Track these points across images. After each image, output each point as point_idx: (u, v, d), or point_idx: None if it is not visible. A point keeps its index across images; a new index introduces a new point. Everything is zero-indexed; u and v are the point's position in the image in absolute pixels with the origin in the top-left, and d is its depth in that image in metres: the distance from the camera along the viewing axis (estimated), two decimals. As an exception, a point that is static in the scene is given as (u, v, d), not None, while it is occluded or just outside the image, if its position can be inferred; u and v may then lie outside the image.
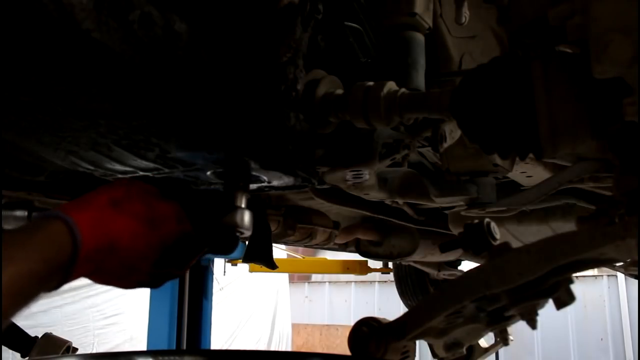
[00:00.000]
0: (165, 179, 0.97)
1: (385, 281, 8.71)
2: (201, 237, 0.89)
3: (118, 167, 0.99)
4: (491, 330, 1.16)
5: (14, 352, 1.85)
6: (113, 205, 0.77)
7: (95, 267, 0.73)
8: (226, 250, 0.95)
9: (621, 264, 1.97)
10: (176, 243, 0.83)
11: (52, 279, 0.67)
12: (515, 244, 0.94)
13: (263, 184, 1.04)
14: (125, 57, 0.66)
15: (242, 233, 0.95)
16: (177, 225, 0.83)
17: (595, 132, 0.78)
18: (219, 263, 5.29)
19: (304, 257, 6.35)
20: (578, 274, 0.97)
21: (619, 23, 0.68)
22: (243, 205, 0.96)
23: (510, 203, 1.40)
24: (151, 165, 0.97)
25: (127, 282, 0.81)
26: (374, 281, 9.27)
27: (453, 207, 1.64)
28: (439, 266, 2.81)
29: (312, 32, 0.90)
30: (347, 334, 1.18)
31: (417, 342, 1.17)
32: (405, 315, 1.09)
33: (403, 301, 3.57)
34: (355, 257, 3.68)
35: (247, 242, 1.62)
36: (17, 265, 0.60)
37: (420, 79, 1.00)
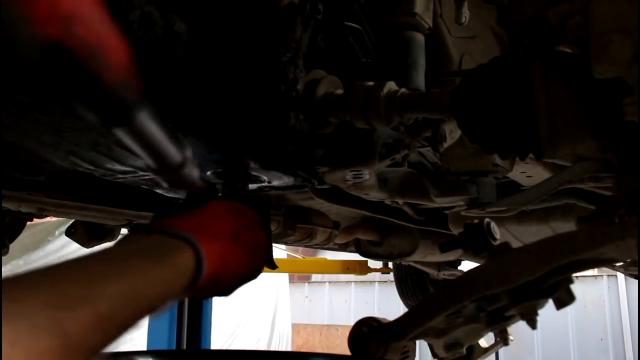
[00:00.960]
0: (259, 205, 0.94)
1: (385, 281, 8.70)
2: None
3: (118, 167, 0.99)
4: (491, 330, 1.16)
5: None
6: (234, 238, 0.74)
7: (192, 292, 0.69)
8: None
9: (621, 264, 1.97)
10: (258, 271, 0.83)
11: (161, 309, 0.61)
12: (515, 244, 0.94)
13: (263, 184, 1.04)
14: (125, 57, 0.66)
15: None
16: (264, 258, 0.83)
17: (595, 132, 0.78)
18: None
19: (304, 257, 6.35)
20: (578, 274, 0.97)
21: (619, 23, 0.68)
22: None
23: (510, 203, 1.40)
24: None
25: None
26: (374, 281, 9.26)
27: (453, 207, 1.64)
28: (439, 266, 2.81)
29: (312, 32, 0.90)
30: (347, 334, 1.18)
31: (417, 342, 1.17)
32: (405, 315, 1.09)
33: (403, 301, 3.57)
34: (355, 257, 3.68)
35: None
36: (141, 302, 0.54)
37: (420, 79, 1.00)
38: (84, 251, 1.08)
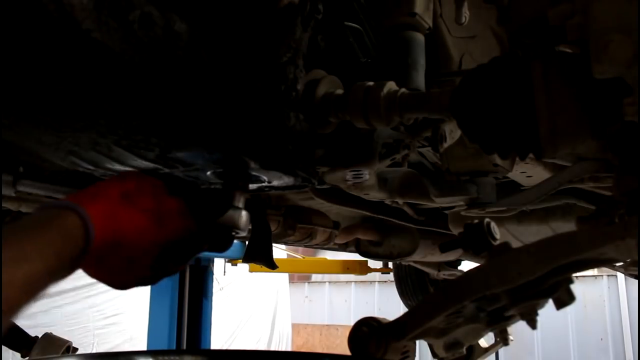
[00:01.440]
0: (169, 175, 0.96)
1: (385, 281, 8.70)
2: (202, 235, 0.88)
3: (118, 167, 0.99)
4: (491, 330, 1.16)
5: (14, 352, 1.85)
6: (124, 199, 0.75)
7: (97, 260, 0.71)
8: (220, 249, 0.95)
9: (621, 264, 1.97)
10: (179, 240, 0.82)
11: (62, 274, 0.65)
12: (515, 244, 0.94)
13: (263, 184, 1.04)
14: (125, 57, 0.66)
15: (237, 233, 0.95)
16: (182, 221, 0.82)
17: (595, 132, 0.78)
18: (219, 263, 5.29)
19: (304, 257, 6.35)
20: (578, 274, 0.97)
21: (619, 23, 0.68)
22: (241, 206, 0.96)
23: (510, 203, 1.40)
24: (151, 165, 0.97)
25: (125, 277, 0.79)
26: (374, 281, 9.26)
27: (453, 207, 1.64)
28: (439, 266, 2.81)
29: (312, 32, 0.90)
30: (347, 334, 1.18)
31: (417, 342, 1.17)
32: (405, 315, 1.09)
33: (403, 301, 3.57)
34: (355, 257, 3.68)
35: (247, 242, 1.62)
36: (32, 264, 0.59)
37: (420, 79, 1.00)
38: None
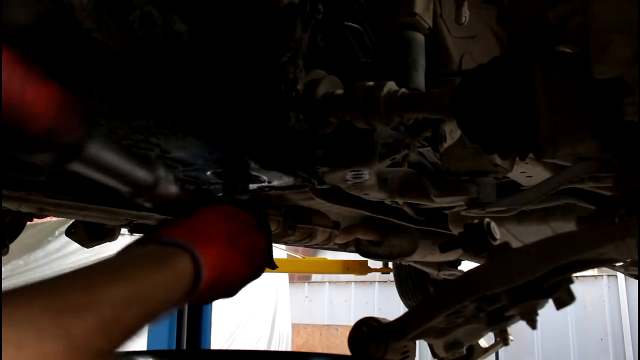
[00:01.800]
0: (256, 209, 0.94)
1: (385, 281, 8.70)
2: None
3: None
4: (491, 330, 1.16)
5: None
6: (230, 242, 0.74)
7: (194, 300, 0.70)
8: None
9: (621, 264, 1.97)
10: (258, 275, 0.83)
11: (164, 314, 0.63)
12: (515, 244, 0.94)
13: (263, 184, 1.04)
14: (125, 57, 0.66)
15: None
16: (264, 260, 0.83)
17: (595, 132, 0.78)
18: (219, 263, 5.28)
19: (304, 257, 6.35)
20: (578, 274, 0.97)
21: (619, 23, 0.68)
22: None
23: (510, 203, 1.40)
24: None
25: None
26: (374, 281, 9.26)
27: (453, 207, 1.64)
28: (439, 266, 2.81)
29: (312, 32, 0.90)
30: (347, 334, 1.18)
31: (417, 342, 1.17)
32: (405, 315, 1.09)
33: (403, 301, 3.57)
34: (355, 257, 3.68)
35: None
36: (143, 306, 0.56)
37: (420, 79, 1.00)
38: (84, 251, 1.09)
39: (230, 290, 0.77)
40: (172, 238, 0.67)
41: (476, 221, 1.06)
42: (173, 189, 0.78)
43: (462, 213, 1.52)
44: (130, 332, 0.54)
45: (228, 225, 0.77)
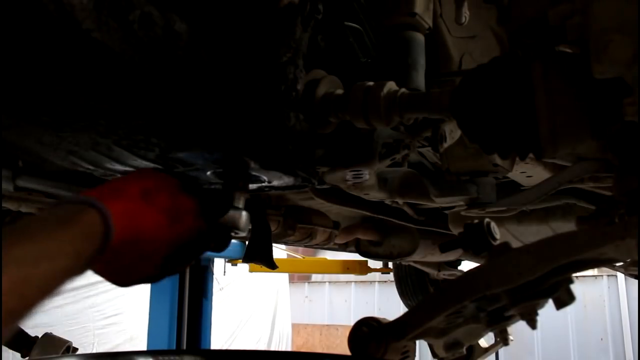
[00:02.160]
0: (182, 173, 0.95)
1: (385, 281, 8.70)
2: (210, 235, 0.87)
3: (118, 167, 0.99)
4: (491, 330, 1.16)
5: (14, 352, 1.85)
6: (144, 197, 0.74)
7: (112, 258, 0.69)
8: (219, 249, 0.95)
9: (621, 264, 1.97)
10: (191, 239, 0.81)
11: (78, 272, 0.63)
12: (515, 244, 0.94)
13: (263, 184, 1.04)
14: (125, 57, 0.66)
15: (237, 233, 0.95)
16: (195, 221, 0.81)
17: (595, 132, 0.78)
18: (219, 263, 5.29)
19: (304, 257, 6.35)
20: (578, 274, 0.97)
21: (619, 23, 0.68)
22: (241, 206, 0.96)
23: (510, 203, 1.40)
24: (151, 165, 0.97)
25: (132, 276, 0.77)
26: (374, 281, 9.26)
27: (453, 207, 1.64)
28: (439, 266, 2.81)
29: (312, 32, 0.90)
30: (347, 334, 1.18)
31: (417, 342, 1.17)
32: (405, 315, 1.09)
33: (403, 301, 3.57)
34: (355, 257, 3.68)
35: (247, 242, 1.62)
36: (51, 262, 0.56)
37: (420, 79, 1.00)
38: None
39: (154, 249, 0.75)
40: (79, 197, 0.68)
41: (476, 221, 1.06)
42: None
43: (462, 213, 1.52)
44: (45, 289, 0.55)
45: (142, 181, 0.76)
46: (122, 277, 0.77)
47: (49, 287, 0.55)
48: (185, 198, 0.81)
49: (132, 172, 0.82)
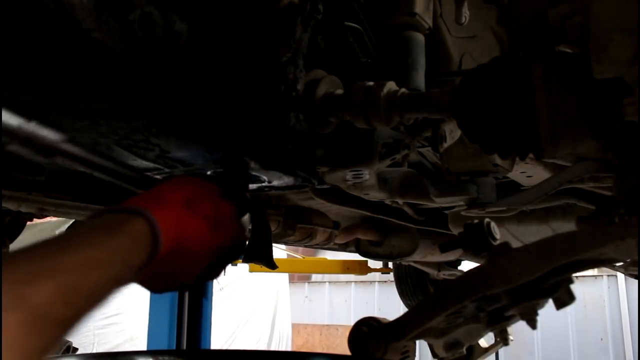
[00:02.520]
0: (217, 177, 0.93)
1: (385, 281, 8.70)
2: (245, 241, 0.87)
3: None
4: (491, 330, 1.16)
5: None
6: (187, 205, 0.73)
7: (157, 267, 0.67)
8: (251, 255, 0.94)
9: (621, 264, 1.97)
10: (231, 246, 0.80)
11: (127, 281, 0.61)
12: (515, 244, 0.94)
13: (263, 184, 1.04)
14: (125, 57, 0.66)
15: None
16: (234, 227, 0.80)
17: (595, 132, 0.78)
18: (219, 263, 5.27)
19: (304, 257, 6.35)
20: (578, 274, 0.97)
21: (619, 23, 0.68)
22: None
23: (510, 203, 1.40)
24: (151, 165, 0.97)
25: (169, 284, 0.76)
26: (374, 281, 9.26)
27: (453, 207, 1.64)
28: (439, 266, 2.81)
29: (312, 32, 0.90)
30: (347, 334, 1.18)
31: (417, 342, 1.17)
32: (405, 315, 1.09)
33: (403, 301, 3.57)
34: (355, 257, 3.68)
35: (247, 242, 1.61)
36: (100, 271, 0.55)
37: (420, 79, 1.00)
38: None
39: (198, 257, 0.74)
40: (125, 206, 0.67)
41: (476, 221, 1.06)
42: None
43: (462, 213, 1.52)
44: (94, 298, 0.54)
45: (184, 189, 0.76)
46: (158, 285, 0.76)
47: (97, 296, 0.54)
48: (224, 204, 0.80)
49: (171, 179, 0.80)
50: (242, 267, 5.54)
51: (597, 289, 7.82)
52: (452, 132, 1.02)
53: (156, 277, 0.72)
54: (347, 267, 5.18)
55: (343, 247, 2.47)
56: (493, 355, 4.97)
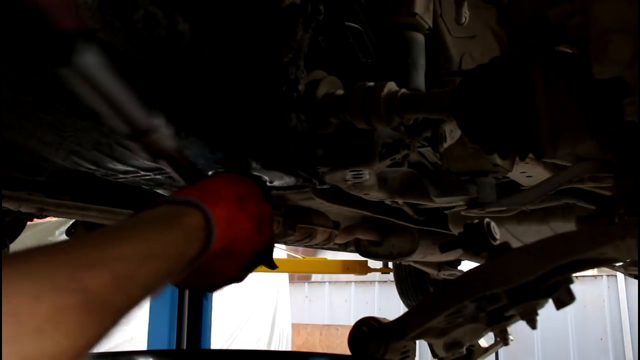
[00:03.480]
0: (258, 178, 0.93)
1: (385, 281, 8.70)
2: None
3: (120, 167, 0.99)
4: (491, 330, 1.16)
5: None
6: (239, 202, 0.72)
7: (204, 264, 0.67)
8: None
9: (621, 264, 1.97)
10: (264, 250, 0.80)
11: (179, 274, 0.61)
12: (515, 244, 0.95)
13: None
14: (129, 56, 0.66)
15: None
16: (272, 228, 0.81)
17: (595, 132, 0.78)
18: (219, 263, 5.27)
19: (304, 257, 6.35)
20: (578, 274, 0.97)
21: (619, 23, 0.68)
22: None
23: (510, 203, 1.40)
24: (153, 165, 0.97)
25: (216, 281, 0.76)
26: (374, 281, 9.26)
27: (453, 207, 1.64)
28: (439, 266, 2.81)
29: (313, 33, 0.90)
30: (347, 334, 1.18)
31: (417, 342, 1.17)
32: (405, 315, 1.09)
33: (403, 301, 3.57)
34: (355, 257, 3.68)
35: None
36: (157, 262, 0.55)
37: (420, 79, 1.00)
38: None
39: (240, 257, 0.74)
40: (181, 197, 0.66)
41: (476, 221, 1.06)
42: (171, 143, 0.73)
43: (462, 213, 1.52)
44: (148, 289, 0.54)
45: (236, 186, 0.76)
46: (206, 282, 0.76)
47: (151, 287, 0.54)
48: (267, 205, 0.81)
49: (220, 175, 0.80)
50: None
51: (596, 289, 7.82)
52: (452, 132, 1.03)
53: (197, 274, 0.70)
54: (347, 267, 5.18)
55: (343, 247, 2.47)
56: (493, 355, 4.98)
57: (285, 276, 8.70)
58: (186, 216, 0.63)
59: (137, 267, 0.52)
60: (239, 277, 0.80)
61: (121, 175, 1.05)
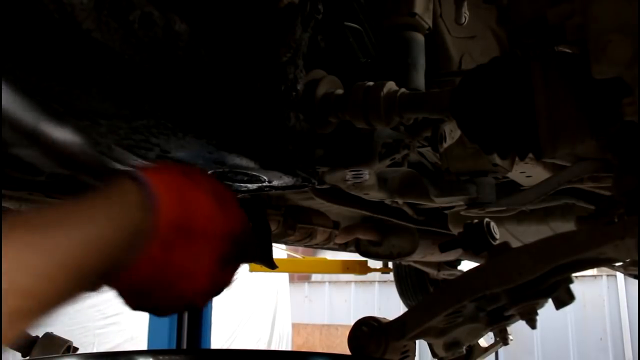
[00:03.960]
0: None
1: (385, 281, 8.70)
2: (254, 240, 0.78)
3: (118, 167, 0.99)
4: (491, 330, 1.16)
5: (14, 351, 1.85)
6: (185, 175, 0.66)
7: (163, 248, 0.60)
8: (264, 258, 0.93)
9: (621, 263, 1.97)
10: (244, 233, 0.71)
11: (125, 242, 0.56)
12: (515, 244, 0.95)
13: (263, 184, 1.04)
14: (125, 57, 0.66)
15: None
16: (241, 213, 0.71)
17: (595, 132, 0.78)
18: (219, 263, 5.27)
19: (304, 257, 6.35)
20: (577, 274, 0.97)
21: (619, 23, 0.68)
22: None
23: (510, 203, 1.40)
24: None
25: (181, 285, 0.65)
26: (374, 281, 9.26)
27: (453, 207, 1.64)
28: (439, 266, 2.81)
29: (312, 32, 0.90)
30: (347, 333, 1.18)
31: (417, 341, 1.17)
32: (405, 315, 1.09)
33: (403, 301, 3.57)
34: (355, 257, 3.68)
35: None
36: (82, 230, 0.52)
37: (420, 79, 1.00)
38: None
39: (210, 240, 0.65)
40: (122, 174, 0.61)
41: (476, 221, 1.06)
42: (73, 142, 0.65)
43: (462, 213, 1.52)
44: (84, 258, 0.52)
45: (177, 165, 0.72)
46: (171, 292, 0.65)
47: (86, 255, 0.51)
48: (221, 185, 0.73)
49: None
50: (242, 267, 5.53)
51: (596, 289, 7.82)
52: (452, 132, 1.02)
53: (172, 269, 0.63)
54: (347, 267, 5.17)
55: (343, 247, 2.47)
56: (493, 355, 4.97)
57: (285, 276, 8.71)
58: (114, 186, 0.59)
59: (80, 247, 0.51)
60: (223, 276, 0.72)
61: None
